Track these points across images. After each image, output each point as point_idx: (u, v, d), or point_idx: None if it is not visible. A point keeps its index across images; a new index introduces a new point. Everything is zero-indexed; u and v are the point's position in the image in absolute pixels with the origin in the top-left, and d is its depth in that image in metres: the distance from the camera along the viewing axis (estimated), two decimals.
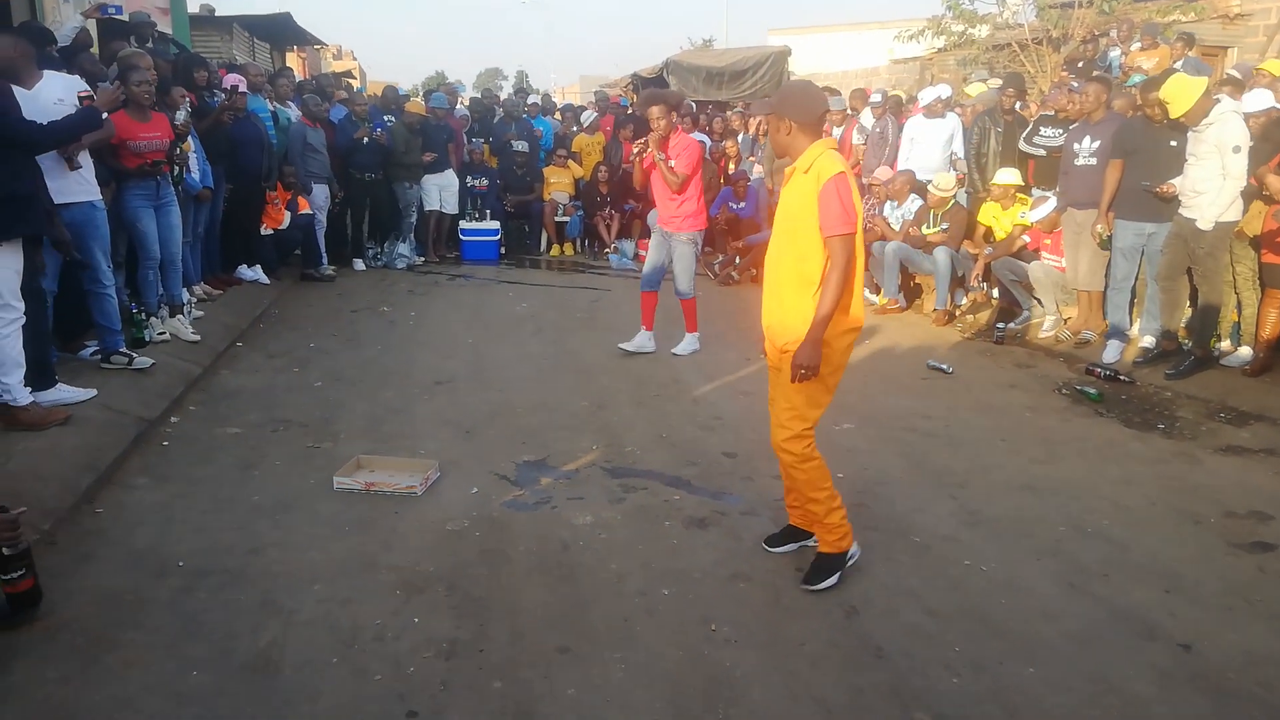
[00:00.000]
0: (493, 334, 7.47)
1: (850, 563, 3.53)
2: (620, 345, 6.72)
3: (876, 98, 9.68)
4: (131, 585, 3.45)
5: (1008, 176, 7.48)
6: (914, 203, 8.19)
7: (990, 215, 7.71)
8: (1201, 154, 5.66)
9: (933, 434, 5.20)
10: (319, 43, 23.23)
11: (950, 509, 4.22)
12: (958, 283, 8.01)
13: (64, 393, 4.91)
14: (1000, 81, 8.91)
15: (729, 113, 12.37)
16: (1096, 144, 6.54)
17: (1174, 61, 8.98)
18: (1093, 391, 5.85)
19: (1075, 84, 7.57)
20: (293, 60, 22.83)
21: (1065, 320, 7.11)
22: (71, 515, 3.99)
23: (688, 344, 6.84)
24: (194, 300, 7.16)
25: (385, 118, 10.26)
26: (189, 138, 6.83)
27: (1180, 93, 5.59)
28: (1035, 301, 7.31)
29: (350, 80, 17.59)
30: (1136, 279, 6.43)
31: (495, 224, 10.94)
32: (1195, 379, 5.90)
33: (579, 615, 3.31)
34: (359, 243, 10.37)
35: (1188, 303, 6.26)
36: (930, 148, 8.55)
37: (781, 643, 3.15)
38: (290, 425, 5.25)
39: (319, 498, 4.26)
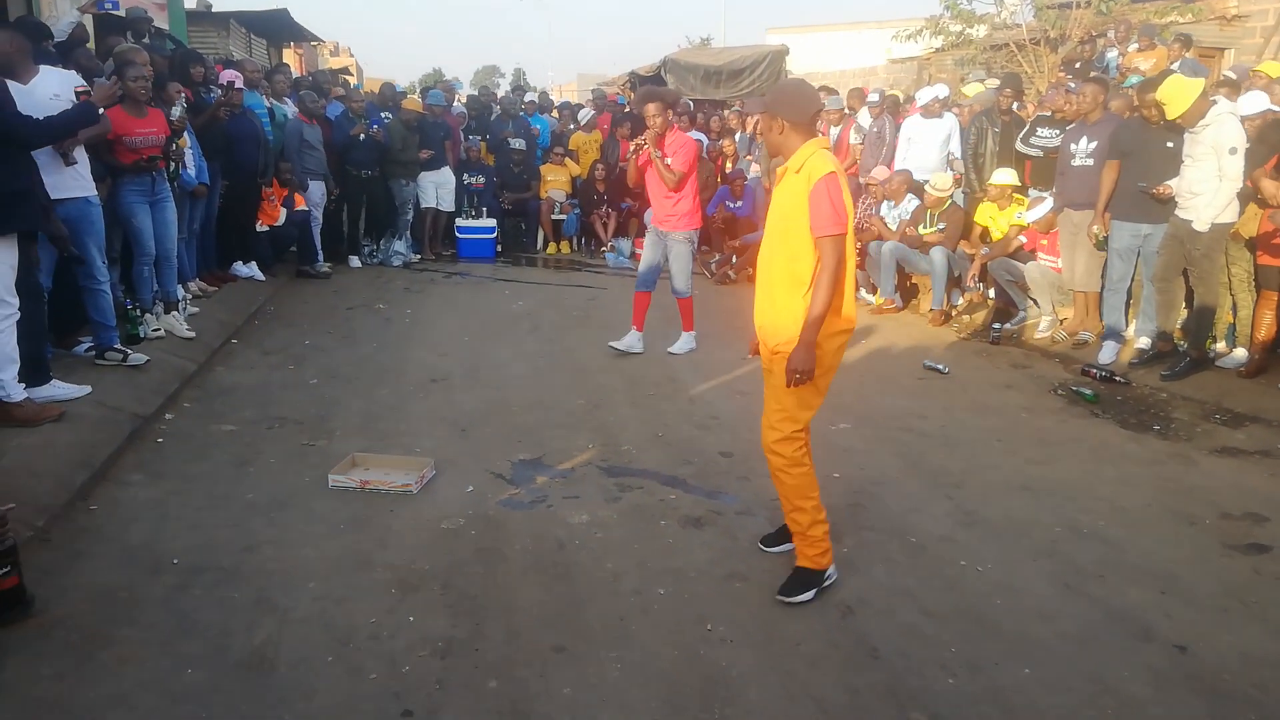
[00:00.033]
0: (489, 332, 7.46)
1: (828, 584, 3.44)
2: (611, 344, 6.71)
3: (874, 97, 9.69)
4: (126, 582, 3.44)
5: (1004, 177, 7.48)
6: (911, 203, 8.19)
7: (987, 215, 7.71)
8: (1198, 155, 5.66)
9: (929, 434, 5.21)
10: (316, 39, 23.16)
11: (946, 509, 4.22)
12: (954, 283, 8.01)
13: (58, 389, 4.89)
14: (998, 82, 8.92)
15: (726, 112, 12.37)
16: (1093, 145, 6.55)
17: (1171, 63, 9.00)
18: (1088, 392, 5.86)
19: (1072, 84, 7.57)
20: (289, 56, 22.79)
21: (1061, 321, 7.12)
22: (66, 512, 3.98)
23: (684, 343, 6.84)
24: (189, 297, 7.14)
25: (382, 115, 10.24)
26: (185, 134, 6.81)
27: (1177, 94, 5.59)
28: (1031, 302, 7.32)
29: (347, 77, 17.59)
30: (1133, 280, 6.44)
31: (492, 222, 10.93)
32: (1191, 380, 5.91)
33: (575, 614, 3.30)
34: (355, 240, 10.35)
35: (1183, 304, 6.27)
36: (927, 148, 8.55)
37: (778, 642, 3.14)
38: (285, 422, 5.24)
39: (314, 495, 4.26)
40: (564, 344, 7.11)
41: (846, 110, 10.13)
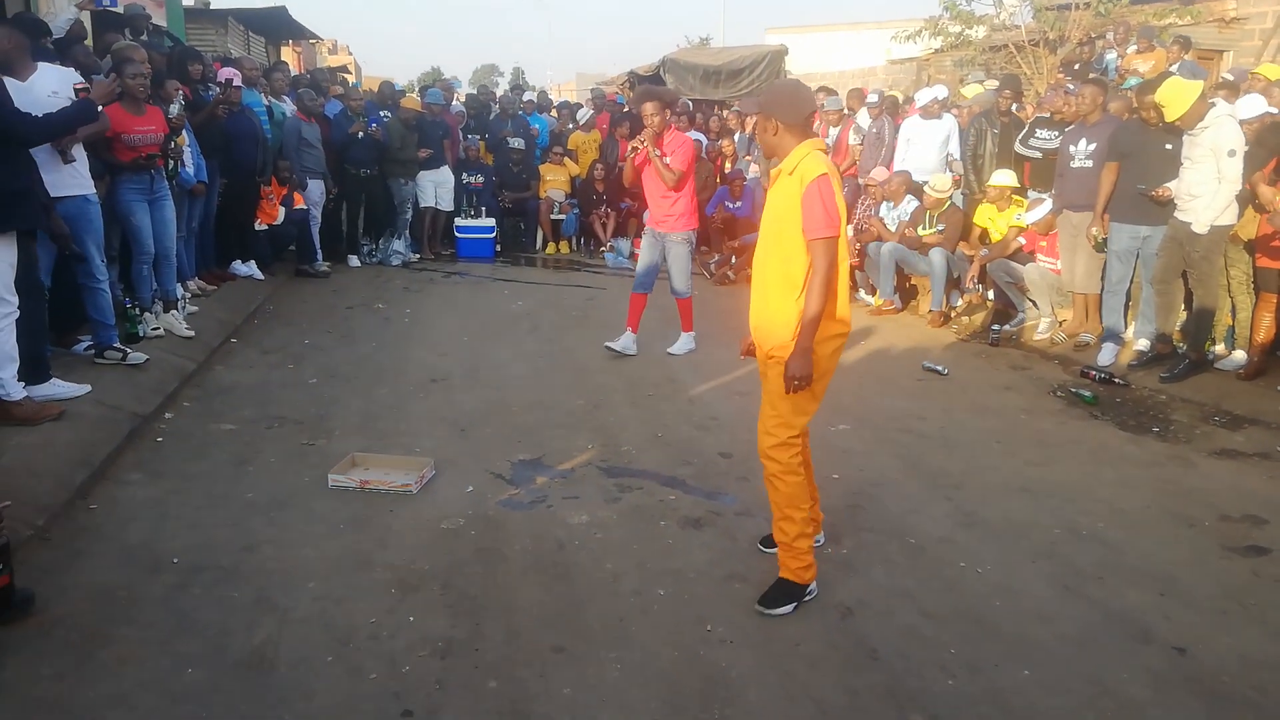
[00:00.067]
0: (488, 332, 7.46)
1: (809, 598, 3.38)
2: (607, 344, 6.70)
3: (873, 98, 9.69)
4: (125, 581, 3.44)
5: (1003, 178, 7.49)
6: (910, 204, 8.20)
7: (986, 217, 7.72)
8: (1197, 157, 5.67)
9: (928, 435, 5.21)
10: (314, 37, 23.16)
11: (946, 510, 4.22)
12: (953, 284, 8.02)
13: (58, 388, 4.89)
14: (997, 83, 8.93)
15: (725, 112, 12.36)
16: (1092, 146, 6.56)
17: (1170, 65, 9.02)
18: (1088, 394, 5.86)
19: (1071, 86, 7.59)
20: (288, 54, 22.77)
21: (1060, 323, 7.13)
22: (65, 511, 3.98)
23: (684, 343, 6.83)
24: (188, 295, 7.14)
25: (381, 113, 10.23)
26: (183, 131, 6.80)
27: (1176, 96, 5.60)
28: (1030, 304, 7.33)
29: (345, 75, 17.57)
30: (1131, 282, 6.45)
31: (491, 221, 10.92)
32: (1190, 382, 5.91)
33: (574, 614, 3.30)
34: (354, 239, 10.34)
35: (1182, 306, 6.28)
36: (926, 149, 8.55)
37: (777, 643, 3.15)
38: (285, 422, 5.23)
39: (314, 495, 4.25)
40: (563, 344, 7.11)
41: (846, 111, 10.13)
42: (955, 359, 6.83)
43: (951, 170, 8.40)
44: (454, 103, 12.53)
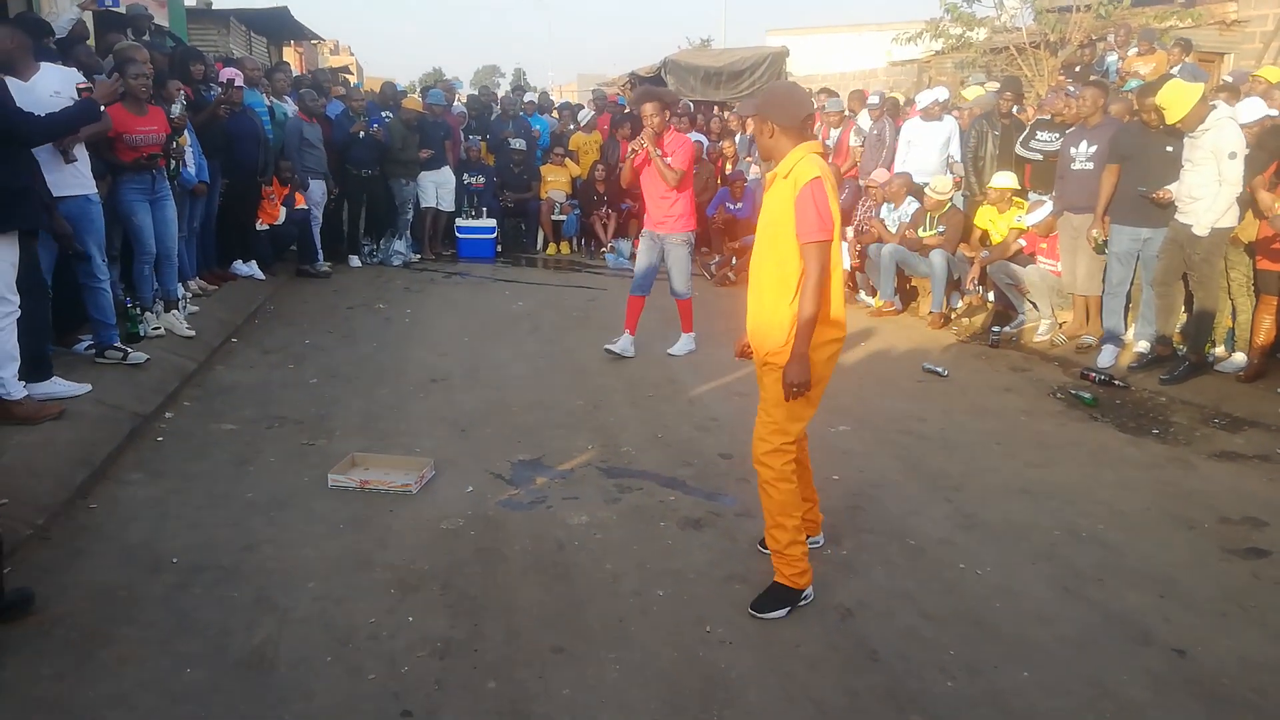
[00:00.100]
0: (489, 332, 7.47)
1: (804, 603, 3.36)
2: (606, 347, 6.69)
3: (874, 99, 9.69)
4: (125, 581, 3.44)
5: (1004, 180, 7.49)
6: (910, 205, 8.20)
7: (986, 219, 7.72)
8: (1197, 160, 5.67)
9: (928, 437, 5.21)
10: (316, 38, 23.16)
11: (945, 512, 4.22)
12: (954, 286, 8.02)
13: (58, 386, 4.89)
14: (997, 85, 8.94)
15: (726, 113, 12.37)
16: (1093, 148, 6.56)
17: (1171, 67, 9.02)
18: (1088, 396, 5.87)
19: (1072, 88, 7.59)
20: (290, 55, 22.79)
21: (1060, 324, 7.13)
22: (65, 510, 3.98)
23: (684, 344, 6.83)
24: (189, 295, 7.14)
25: (382, 114, 10.24)
26: (185, 132, 6.80)
27: (1176, 98, 5.60)
28: (1030, 305, 7.33)
29: (347, 76, 17.58)
30: (1132, 284, 6.45)
31: (492, 222, 10.92)
32: (1190, 384, 5.91)
33: (574, 615, 3.30)
34: (355, 239, 10.35)
35: (1183, 308, 6.28)
36: (927, 150, 8.55)
37: (777, 644, 3.15)
38: (285, 422, 5.23)
39: (314, 495, 4.26)
40: (564, 345, 7.11)
41: (847, 112, 10.14)
42: (955, 360, 6.83)
43: (952, 172, 8.40)
44: (455, 103, 12.54)
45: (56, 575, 3.45)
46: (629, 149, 6.48)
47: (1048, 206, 7.11)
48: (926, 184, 8.07)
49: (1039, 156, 7.40)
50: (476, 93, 15.11)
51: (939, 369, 6.47)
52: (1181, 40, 9.72)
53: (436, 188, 10.52)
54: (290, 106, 9.37)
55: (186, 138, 6.87)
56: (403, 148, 9.93)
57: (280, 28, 18.97)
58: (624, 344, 6.68)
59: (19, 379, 4.59)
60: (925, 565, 3.72)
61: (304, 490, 4.31)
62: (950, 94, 9.28)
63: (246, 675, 2.91)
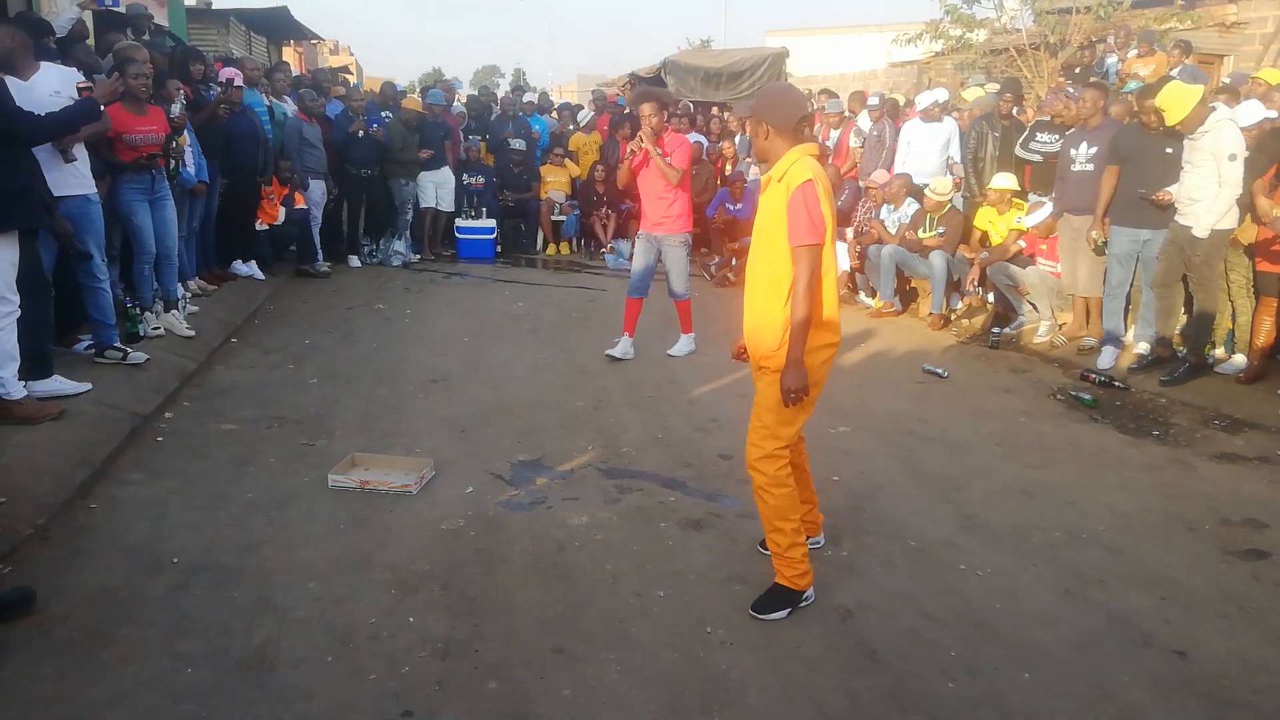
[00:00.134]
0: (488, 332, 7.46)
1: (805, 604, 3.35)
2: (607, 352, 6.67)
3: (874, 101, 9.70)
4: (125, 581, 3.44)
5: (1004, 181, 7.49)
6: (910, 206, 8.20)
7: (986, 220, 7.72)
8: (1197, 161, 5.67)
9: (928, 438, 5.21)
10: (315, 37, 23.15)
11: (946, 513, 4.22)
12: (953, 287, 8.02)
13: (59, 384, 4.89)
14: (997, 86, 8.94)
15: (726, 114, 12.36)
16: (1093, 150, 6.56)
17: (1170, 69, 9.02)
18: (1088, 397, 5.87)
19: (1072, 90, 7.60)
20: (289, 55, 22.78)
21: (1060, 326, 7.14)
22: (65, 510, 3.97)
23: (683, 345, 6.83)
24: (189, 295, 7.13)
25: (382, 114, 10.23)
26: (184, 131, 6.79)
27: (1176, 100, 5.60)
28: (1030, 307, 7.33)
29: (346, 76, 17.57)
30: (1132, 285, 6.45)
31: (491, 222, 10.91)
32: (1190, 386, 5.92)
33: (574, 616, 3.30)
34: (354, 239, 10.34)
35: (1183, 310, 6.28)
36: (927, 152, 8.56)
37: (777, 645, 3.15)
38: (285, 422, 5.23)
39: (314, 495, 4.25)
40: (564, 345, 7.11)
41: (847, 113, 10.15)
42: (955, 362, 6.83)
43: (952, 173, 8.41)
44: (455, 103, 12.54)
45: (56, 575, 3.45)
46: (628, 149, 6.48)
47: (1047, 208, 7.11)
48: (926, 185, 8.07)
49: (1039, 158, 7.40)
50: (476, 93, 15.11)
51: (939, 370, 6.47)
52: (1181, 42, 9.73)
53: (436, 188, 10.52)
54: (290, 106, 9.37)
55: (186, 138, 6.87)
56: (402, 148, 9.93)
57: (280, 27, 18.96)
58: (623, 347, 6.67)
59: (19, 378, 4.58)
60: (926, 566, 3.72)
61: (304, 490, 4.30)
62: (950, 95, 9.29)
63: (247, 675, 2.91)
